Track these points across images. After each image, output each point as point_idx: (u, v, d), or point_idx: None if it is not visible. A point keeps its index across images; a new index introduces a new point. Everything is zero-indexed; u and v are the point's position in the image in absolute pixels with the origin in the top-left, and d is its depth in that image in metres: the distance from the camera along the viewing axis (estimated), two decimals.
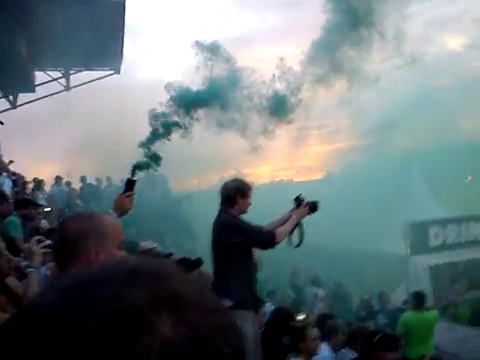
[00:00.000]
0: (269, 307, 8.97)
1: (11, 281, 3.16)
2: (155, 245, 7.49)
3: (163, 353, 0.47)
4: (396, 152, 23.15)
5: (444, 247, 15.66)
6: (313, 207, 4.47)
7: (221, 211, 4.36)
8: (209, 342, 0.50)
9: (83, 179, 16.45)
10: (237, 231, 4.17)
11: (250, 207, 4.39)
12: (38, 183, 11.24)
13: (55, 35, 12.61)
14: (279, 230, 4.28)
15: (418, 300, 8.01)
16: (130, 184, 3.50)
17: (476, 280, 13.77)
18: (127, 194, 3.39)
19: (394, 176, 21.19)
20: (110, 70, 16.99)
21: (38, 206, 6.63)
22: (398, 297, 12.76)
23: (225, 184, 4.43)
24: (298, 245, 4.51)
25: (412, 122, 24.49)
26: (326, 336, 5.66)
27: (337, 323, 6.06)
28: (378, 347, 4.20)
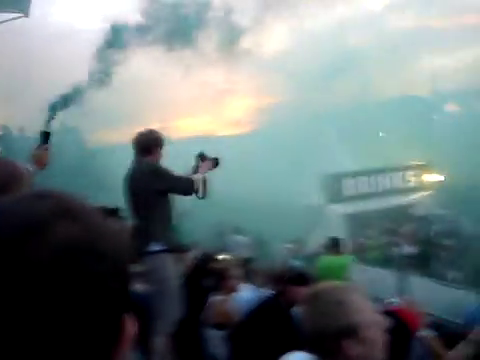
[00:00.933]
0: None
1: None
2: None
3: (54, 250, 0.57)
4: (316, 110, 23.81)
5: (357, 197, 16.53)
6: (216, 163, 4.60)
7: (138, 161, 4.29)
8: (97, 245, 0.61)
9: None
10: (162, 178, 4.14)
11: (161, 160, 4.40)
12: None
13: None
14: (194, 177, 4.32)
15: (334, 245, 8.39)
16: (45, 136, 3.34)
17: (385, 226, 14.75)
18: (44, 147, 3.27)
19: (313, 133, 21.91)
20: (18, 12, 15.81)
21: None
22: (314, 244, 13.39)
23: (140, 134, 4.35)
24: (203, 197, 4.59)
25: (333, 81, 25.25)
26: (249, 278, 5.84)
27: (258, 265, 6.22)
28: (290, 283, 4.34)
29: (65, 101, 3.86)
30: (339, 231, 14.91)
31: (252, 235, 12.23)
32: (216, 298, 4.58)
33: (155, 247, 4.01)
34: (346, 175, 17.01)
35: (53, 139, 3.50)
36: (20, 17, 15.91)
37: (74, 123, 17.82)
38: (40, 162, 3.17)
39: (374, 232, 14.75)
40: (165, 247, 4.02)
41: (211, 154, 4.64)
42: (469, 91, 27.08)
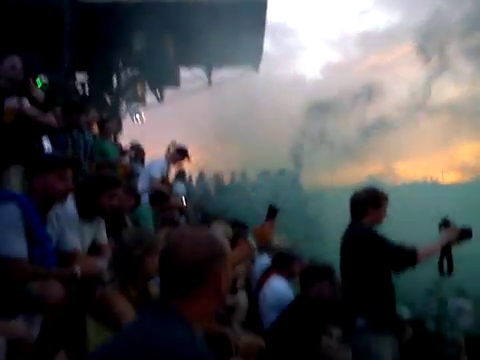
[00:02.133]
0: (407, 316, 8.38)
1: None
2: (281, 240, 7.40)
3: None
4: None
5: None
6: (465, 233, 3.81)
7: (352, 223, 3.96)
8: None
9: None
10: (372, 245, 3.73)
11: (384, 219, 3.94)
12: (181, 174, 11.55)
13: (200, 34, 13.12)
14: (422, 249, 3.71)
15: None
16: (272, 212, 3.27)
17: None
18: (270, 223, 3.21)
19: None
20: (249, 67, 17.23)
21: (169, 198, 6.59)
22: None
23: (354, 194, 4.02)
24: (449, 274, 3.94)
25: None
26: None
27: None
28: None
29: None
30: None
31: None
32: None
33: (360, 323, 3.63)
34: None
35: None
36: (251, 71, 17.43)
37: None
38: (263, 237, 3.11)
39: None
40: (373, 323, 3.59)
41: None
42: None
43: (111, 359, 1.47)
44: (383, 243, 3.73)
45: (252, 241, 3.08)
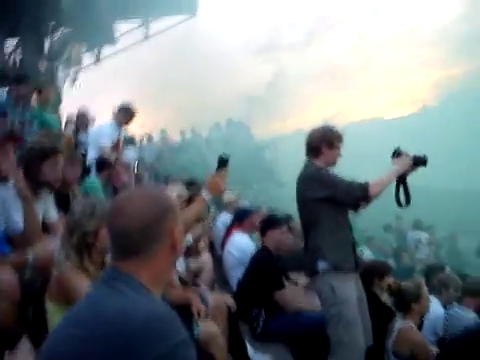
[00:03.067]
0: (368, 255, 8.61)
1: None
2: (236, 196, 7.36)
3: None
4: None
5: None
6: (418, 160, 3.72)
7: (306, 163, 3.89)
8: None
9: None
10: (322, 185, 3.66)
11: (339, 158, 3.87)
12: (130, 138, 11.14)
13: None
14: (374, 181, 3.63)
15: None
16: (223, 162, 3.15)
17: None
18: (221, 173, 3.09)
19: None
20: (187, 14, 16.66)
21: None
22: None
23: (310, 132, 3.92)
24: (406, 205, 3.92)
25: None
26: (436, 290, 5.19)
27: (449, 276, 5.47)
28: None
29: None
30: None
31: (435, 230, 11.06)
32: (404, 325, 4.07)
33: (322, 265, 3.61)
34: None
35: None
36: (190, 18, 16.83)
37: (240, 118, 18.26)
38: (216, 189, 3.06)
39: None
40: (334, 265, 3.58)
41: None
42: None
43: (69, 334, 1.41)
44: (334, 181, 3.69)
45: (206, 195, 2.99)
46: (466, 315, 4.68)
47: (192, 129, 17.11)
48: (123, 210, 1.51)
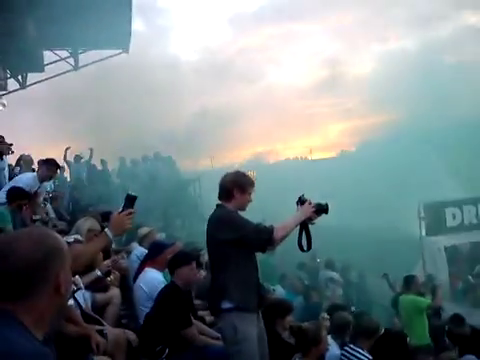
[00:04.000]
0: (280, 292, 8.86)
1: None
2: (152, 229, 7.40)
3: None
4: (411, 131, 22.67)
5: (461, 228, 15.26)
6: (321, 208, 3.95)
7: (217, 205, 4.07)
8: None
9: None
10: (230, 227, 3.84)
11: (249, 204, 4.06)
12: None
13: (63, 15, 12.49)
14: (278, 226, 3.85)
15: (406, 283, 8.16)
16: (130, 200, 3.16)
17: None
18: (127, 212, 3.08)
19: (409, 155, 20.84)
20: (118, 49, 16.70)
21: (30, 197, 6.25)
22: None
23: (224, 176, 4.11)
24: (307, 250, 4.16)
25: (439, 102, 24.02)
26: (336, 329, 5.41)
27: (346, 316, 5.69)
28: None
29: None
30: (441, 266, 13.91)
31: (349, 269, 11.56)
32: None
33: (226, 305, 3.77)
34: (449, 204, 15.75)
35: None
36: (121, 53, 16.90)
37: (168, 152, 18.31)
38: (120, 227, 3.01)
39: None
40: (237, 305, 3.74)
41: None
42: None
43: None
44: (243, 224, 3.86)
45: (109, 232, 2.99)
46: (360, 356, 4.92)
47: (119, 160, 17.02)
48: (5, 253, 1.51)
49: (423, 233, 15.04)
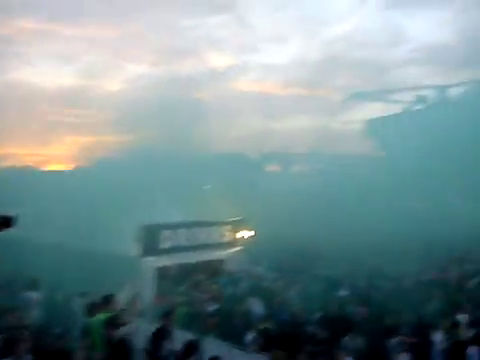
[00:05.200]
0: None
1: None
2: None
3: None
4: (138, 155, 23.69)
5: (174, 250, 16.41)
6: (5, 223, 3.82)
7: None
8: None
9: None
10: None
11: None
12: None
13: None
14: None
15: (106, 301, 8.79)
16: None
17: (194, 281, 14.85)
18: None
19: (137, 177, 21.66)
20: None
21: None
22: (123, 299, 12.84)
23: None
24: None
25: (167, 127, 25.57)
26: None
27: None
28: None
29: None
30: (150, 285, 14.68)
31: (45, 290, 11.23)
32: None
33: None
34: (164, 226, 16.83)
35: None
36: None
37: None
38: None
39: (184, 287, 14.74)
40: None
41: None
42: (291, 154, 29.01)
43: None
44: None
45: None
46: None
47: None
48: None
49: (139, 254, 15.70)
